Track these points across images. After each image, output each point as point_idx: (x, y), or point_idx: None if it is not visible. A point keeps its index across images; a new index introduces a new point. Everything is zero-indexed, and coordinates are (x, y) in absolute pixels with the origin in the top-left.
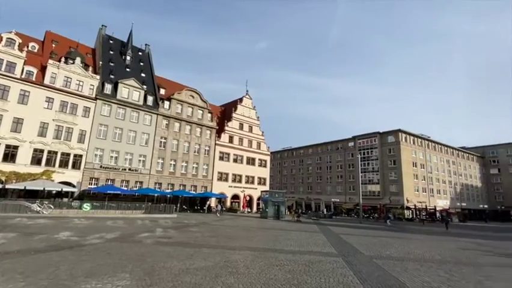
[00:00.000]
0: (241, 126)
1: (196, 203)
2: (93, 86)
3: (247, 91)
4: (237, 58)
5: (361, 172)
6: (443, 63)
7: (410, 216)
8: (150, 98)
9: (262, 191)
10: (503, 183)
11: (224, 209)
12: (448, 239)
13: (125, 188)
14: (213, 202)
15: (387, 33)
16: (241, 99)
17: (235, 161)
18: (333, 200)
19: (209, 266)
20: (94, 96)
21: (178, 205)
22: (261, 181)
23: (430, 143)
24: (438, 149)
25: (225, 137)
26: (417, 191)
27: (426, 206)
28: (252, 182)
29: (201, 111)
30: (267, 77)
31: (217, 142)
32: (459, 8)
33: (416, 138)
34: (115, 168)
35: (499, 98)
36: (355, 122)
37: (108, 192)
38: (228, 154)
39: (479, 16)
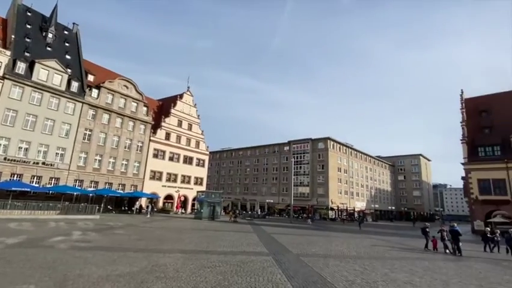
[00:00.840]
0: (180, 123)
1: (123, 203)
2: (1, 62)
3: (188, 87)
4: (179, 53)
5: (294, 175)
6: (359, 82)
7: (333, 216)
8: (75, 84)
9: (198, 191)
10: (407, 188)
11: (155, 209)
12: (362, 237)
13: (37, 185)
14: (143, 202)
15: (322, 52)
16: (181, 95)
17: (171, 159)
18: (267, 200)
19: (134, 272)
20: (1, 74)
21: (102, 205)
22: (198, 181)
23: (353, 151)
24: (359, 157)
25: (161, 134)
26: (340, 193)
27: (347, 207)
28: (188, 182)
29: (135, 104)
30: (211, 76)
31: (152, 138)
32: (384, 36)
33: (341, 146)
34: (25, 162)
35: (408, 115)
36: (291, 127)
37: (13, 189)
38: (164, 152)
39: (402, 45)
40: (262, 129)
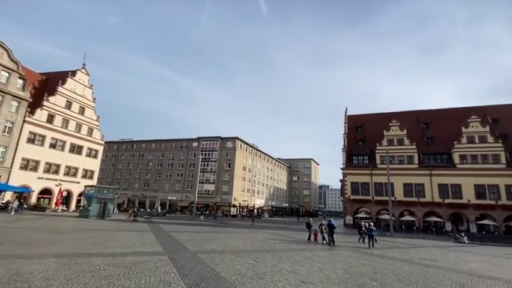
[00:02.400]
0: (69, 105)
1: None
2: None
3: (84, 64)
4: (77, 20)
5: (200, 172)
6: (271, 90)
7: (235, 213)
8: None
9: (87, 186)
10: (299, 188)
11: (25, 206)
12: (258, 232)
13: None
14: (10, 197)
15: (242, 57)
16: (74, 72)
17: (53, 146)
18: (169, 197)
19: None
20: None
21: None
22: (88, 174)
23: (258, 152)
24: (262, 158)
25: (41, 115)
26: (243, 191)
27: (248, 204)
28: (75, 175)
29: (7, 74)
30: (117, 58)
31: (27, 119)
32: (294, 51)
33: (248, 147)
34: None
35: (307, 123)
36: (204, 124)
37: None
38: (43, 137)
39: (310, 62)
40: (173, 123)
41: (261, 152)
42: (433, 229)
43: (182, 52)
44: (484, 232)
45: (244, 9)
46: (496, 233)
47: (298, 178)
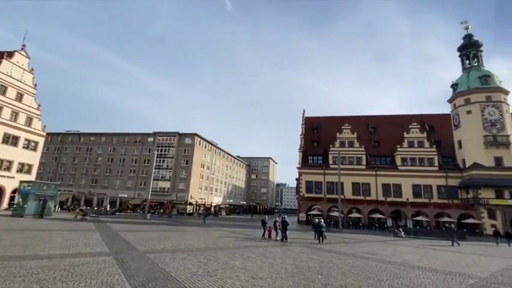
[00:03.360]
0: (3, 90)
1: None
2: None
3: (23, 46)
4: None
5: (155, 168)
6: (235, 87)
7: (191, 211)
8: None
9: (23, 182)
10: (257, 186)
11: None
12: (213, 230)
13: None
14: None
15: (205, 51)
16: (11, 54)
17: None
18: (120, 195)
19: None
20: None
21: None
22: (25, 168)
23: (217, 149)
24: (222, 155)
25: None
26: (201, 189)
27: (205, 202)
28: (8, 169)
29: None
30: (64, 42)
31: None
32: (258, 50)
33: (207, 143)
34: None
35: (268, 122)
36: (158, 118)
37: None
38: None
39: (273, 62)
40: (127, 117)
41: (220, 149)
42: (376, 225)
43: (141, 43)
44: (418, 227)
45: (208, 3)
46: (428, 227)
47: (256, 176)
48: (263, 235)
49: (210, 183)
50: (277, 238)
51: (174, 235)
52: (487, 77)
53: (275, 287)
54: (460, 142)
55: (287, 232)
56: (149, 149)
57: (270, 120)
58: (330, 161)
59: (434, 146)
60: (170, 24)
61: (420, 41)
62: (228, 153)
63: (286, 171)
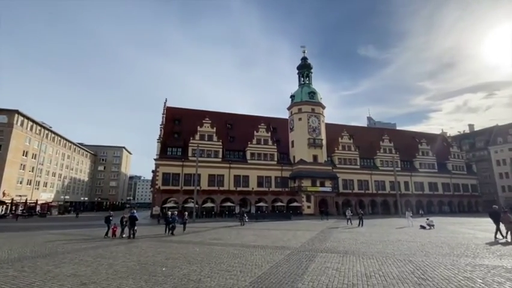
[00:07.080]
0: None
1: None
2: None
3: None
4: None
5: None
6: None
7: (3, 213)
8: None
9: None
10: (105, 179)
11: None
12: (39, 233)
13: None
14: None
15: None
16: None
17: None
18: None
19: None
20: None
21: None
22: None
23: (50, 134)
24: (56, 141)
25: None
26: (21, 183)
27: (27, 199)
28: None
29: None
30: None
31: None
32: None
33: (35, 125)
34: None
35: (125, 109)
36: None
37: None
38: None
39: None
40: None
41: (55, 133)
42: (227, 212)
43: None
44: (259, 212)
45: None
46: (266, 212)
47: (105, 168)
48: (106, 234)
49: (37, 176)
50: (124, 235)
51: None
52: (313, 93)
53: None
54: (293, 142)
55: (135, 228)
56: None
57: (126, 108)
58: (190, 153)
59: (275, 144)
60: None
61: (273, 58)
62: (66, 139)
63: (142, 162)
